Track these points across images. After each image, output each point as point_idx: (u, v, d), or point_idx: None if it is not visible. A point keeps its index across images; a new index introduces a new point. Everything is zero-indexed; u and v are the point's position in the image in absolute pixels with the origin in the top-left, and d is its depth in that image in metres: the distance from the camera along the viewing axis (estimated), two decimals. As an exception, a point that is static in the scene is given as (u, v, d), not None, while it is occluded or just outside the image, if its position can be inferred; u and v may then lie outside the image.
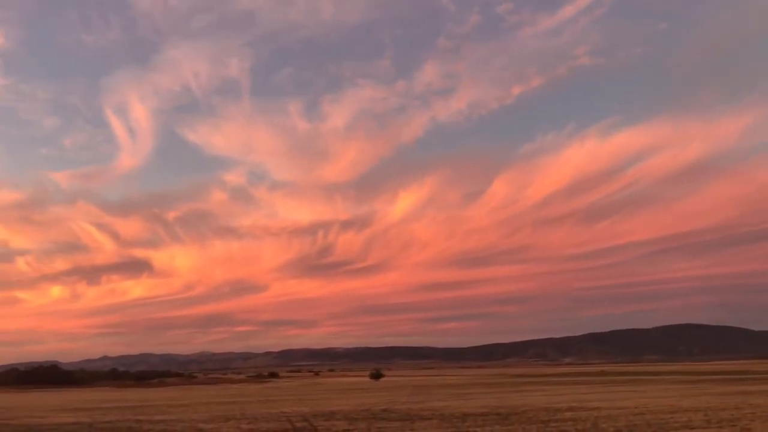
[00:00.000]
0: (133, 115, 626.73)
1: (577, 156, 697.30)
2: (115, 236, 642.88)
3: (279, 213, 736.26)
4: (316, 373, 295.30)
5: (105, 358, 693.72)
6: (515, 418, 35.42)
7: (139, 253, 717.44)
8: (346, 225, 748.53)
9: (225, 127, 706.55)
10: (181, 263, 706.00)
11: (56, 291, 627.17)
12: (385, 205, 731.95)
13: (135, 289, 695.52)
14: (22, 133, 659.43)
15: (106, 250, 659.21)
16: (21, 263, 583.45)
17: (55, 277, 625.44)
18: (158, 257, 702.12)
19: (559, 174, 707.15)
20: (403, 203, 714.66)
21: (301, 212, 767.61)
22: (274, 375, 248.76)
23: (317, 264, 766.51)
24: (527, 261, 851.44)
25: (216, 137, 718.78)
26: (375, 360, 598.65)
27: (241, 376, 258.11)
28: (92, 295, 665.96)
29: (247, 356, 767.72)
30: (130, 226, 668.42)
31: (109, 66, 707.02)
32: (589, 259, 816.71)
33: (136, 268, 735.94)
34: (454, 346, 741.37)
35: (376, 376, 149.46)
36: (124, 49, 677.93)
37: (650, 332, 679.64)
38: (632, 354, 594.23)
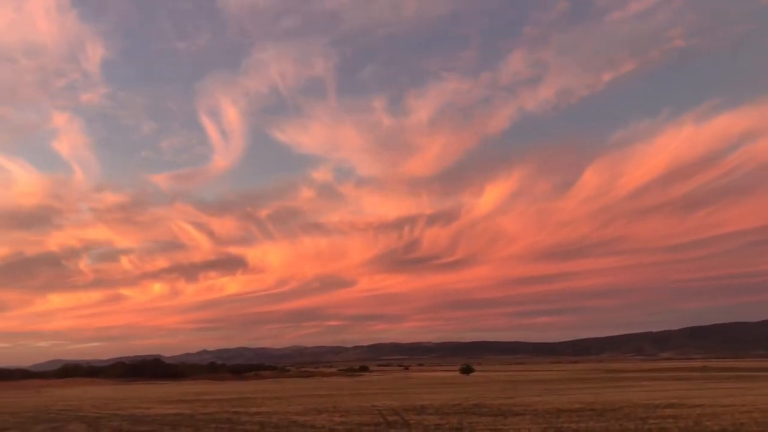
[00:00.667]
0: (225, 118, 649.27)
1: (673, 143, 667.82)
2: (210, 234, 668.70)
3: (365, 209, 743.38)
4: (406, 368, 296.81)
5: (204, 352, 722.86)
6: (611, 415, 34.29)
7: (234, 250, 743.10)
8: (432, 219, 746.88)
9: (311, 126, 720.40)
10: (273, 260, 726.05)
11: (157, 288, 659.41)
12: (471, 198, 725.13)
13: (230, 285, 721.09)
14: (123, 138, 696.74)
15: (203, 248, 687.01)
16: (125, 262, 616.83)
17: (156, 275, 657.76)
18: (251, 254, 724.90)
19: (653, 162, 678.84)
20: (490, 196, 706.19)
21: (386, 207, 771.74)
22: (364, 369, 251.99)
23: (404, 259, 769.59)
24: (621, 253, 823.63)
25: (303, 136, 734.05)
26: (464, 355, 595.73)
27: (332, 370, 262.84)
28: (191, 292, 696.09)
29: (337, 350, 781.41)
30: (225, 225, 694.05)
31: (202, 70, 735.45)
32: (688, 250, 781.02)
33: (231, 265, 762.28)
34: (546, 341, 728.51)
35: (466, 370, 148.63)
36: (215, 54, 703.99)
37: (756, 326, 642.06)
38: (736, 349, 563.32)
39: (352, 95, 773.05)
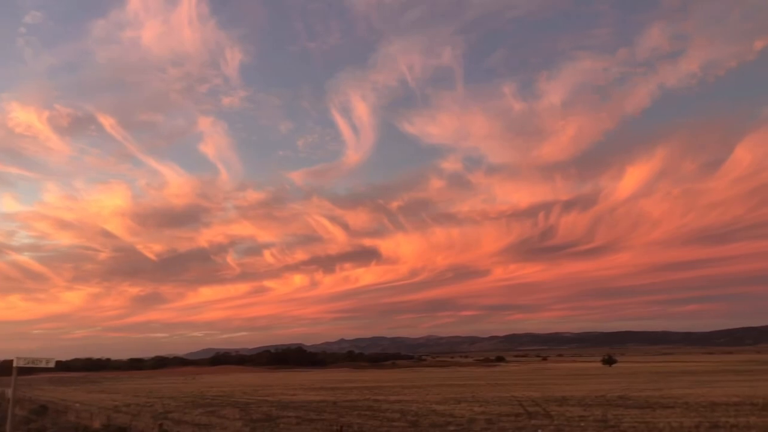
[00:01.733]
0: (355, 113, 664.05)
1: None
2: (345, 227, 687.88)
3: (497, 197, 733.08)
4: (544, 358, 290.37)
5: (342, 341, 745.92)
6: (776, 410, 31.61)
7: (367, 242, 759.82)
8: (568, 205, 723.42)
9: (440, 116, 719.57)
10: (406, 250, 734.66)
11: (297, 279, 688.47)
12: (610, 182, 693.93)
13: (365, 276, 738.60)
14: (262, 138, 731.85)
15: (338, 240, 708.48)
16: (267, 255, 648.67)
17: (296, 267, 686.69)
18: (384, 245, 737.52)
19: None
20: (630, 179, 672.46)
21: (519, 195, 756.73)
22: (500, 359, 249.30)
23: (539, 247, 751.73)
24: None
25: (431, 126, 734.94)
26: (606, 345, 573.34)
27: (468, 360, 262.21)
28: (328, 283, 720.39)
29: (472, 340, 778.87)
30: (358, 217, 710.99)
31: (332, 68, 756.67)
32: None
33: (366, 256, 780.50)
34: (696, 330, 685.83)
35: (609, 361, 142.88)
36: (344, 51, 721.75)
37: None
38: None
39: (481, 82, 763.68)
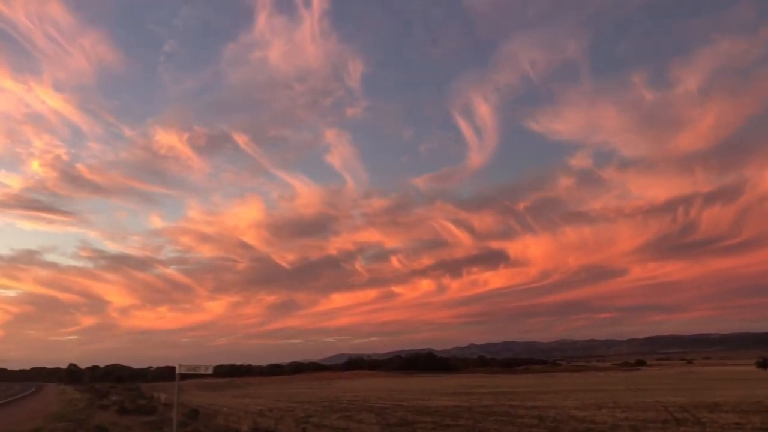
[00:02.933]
0: (477, 115, 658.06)
1: None
2: (471, 231, 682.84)
3: (631, 192, 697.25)
4: (689, 362, 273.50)
5: (472, 345, 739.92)
6: None
7: (495, 244, 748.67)
8: (710, 198, 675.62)
9: (566, 112, 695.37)
10: (535, 252, 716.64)
11: (425, 284, 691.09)
12: (757, 171, 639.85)
13: (494, 279, 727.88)
14: (385, 146, 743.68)
15: (464, 244, 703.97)
16: (394, 261, 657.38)
17: (423, 272, 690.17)
18: (512, 248, 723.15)
19: None
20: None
21: (655, 189, 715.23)
22: (641, 363, 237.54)
23: (679, 243, 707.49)
24: None
25: (557, 123, 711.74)
26: (759, 347, 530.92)
27: (606, 364, 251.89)
28: (456, 287, 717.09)
29: (610, 343, 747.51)
30: (484, 220, 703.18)
31: (453, 72, 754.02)
32: None
33: (493, 259, 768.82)
34: None
35: (765, 364, 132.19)
36: (464, 53, 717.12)
37: None
38: None
39: (608, 74, 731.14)
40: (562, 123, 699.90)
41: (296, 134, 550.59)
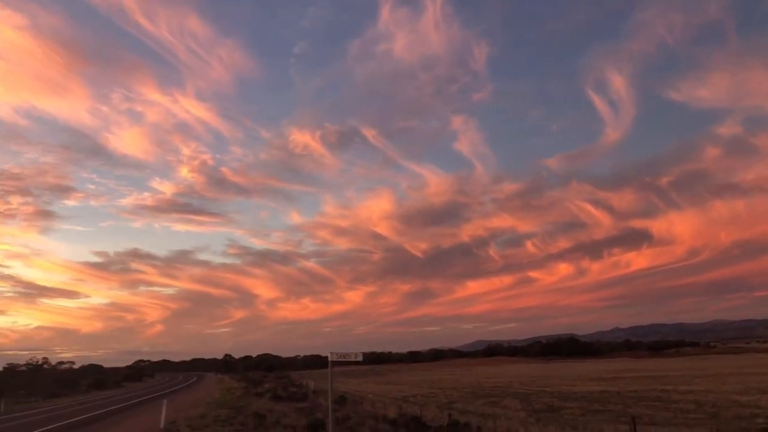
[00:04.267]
0: (611, 88, 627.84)
1: None
2: (609, 210, 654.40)
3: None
4: None
5: (616, 329, 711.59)
6: None
7: (636, 223, 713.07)
8: None
9: (710, 77, 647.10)
10: (681, 229, 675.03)
11: (563, 268, 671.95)
12: None
13: (637, 260, 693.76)
14: (514, 129, 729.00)
15: (604, 224, 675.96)
16: (529, 246, 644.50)
17: (560, 256, 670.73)
18: (656, 226, 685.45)
19: None
20: None
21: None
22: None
23: None
24: None
25: (701, 90, 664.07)
26: None
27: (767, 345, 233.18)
28: (596, 270, 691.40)
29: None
30: (623, 199, 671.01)
31: (582, 46, 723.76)
32: None
33: (635, 239, 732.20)
34: None
35: None
36: (594, 26, 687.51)
37: None
38: None
39: (757, 32, 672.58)
40: (706, 89, 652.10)
41: (423, 124, 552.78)
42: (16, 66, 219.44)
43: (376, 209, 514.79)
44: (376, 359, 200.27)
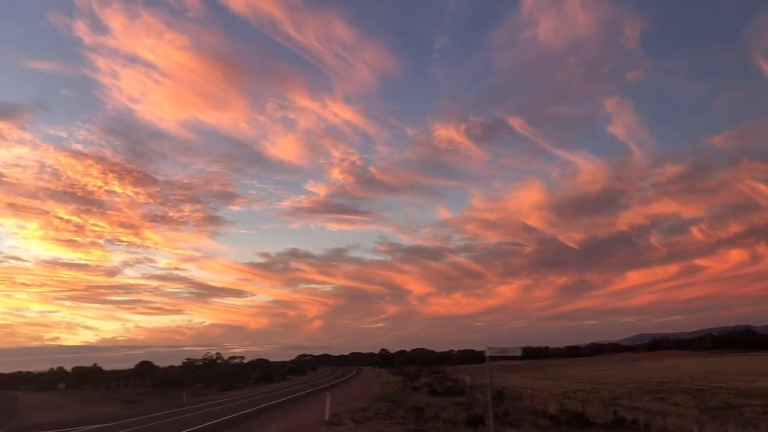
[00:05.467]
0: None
1: None
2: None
3: None
4: None
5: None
6: None
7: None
8: None
9: None
10: None
11: (735, 255, 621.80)
12: None
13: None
14: (673, 108, 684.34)
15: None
16: (695, 232, 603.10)
17: (731, 241, 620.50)
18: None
19: None
20: None
21: None
22: None
23: None
24: None
25: None
26: None
27: None
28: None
29: None
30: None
31: (749, 10, 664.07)
32: None
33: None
34: None
35: None
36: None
37: None
38: None
39: None
40: None
41: (573, 109, 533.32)
42: (182, 84, 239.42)
43: (526, 200, 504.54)
44: (532, 354, 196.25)
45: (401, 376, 73.80)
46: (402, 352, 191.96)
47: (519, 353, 16.69)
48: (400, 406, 30.58)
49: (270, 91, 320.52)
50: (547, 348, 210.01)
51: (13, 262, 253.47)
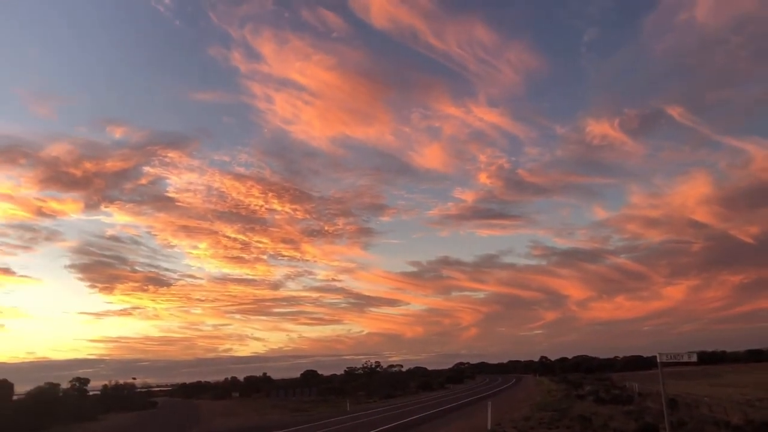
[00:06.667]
0: None
1: None
2: None
3: None
4: None
5: None
6: None
7: None
8: None
9: None
10: None
11: None
12: None
13: None
14: None
15: None
16: None
17: None
18: None
19: None
20: None
21: None
22: None
23: None
24: None
25: None
26: None
27: None
28: None
29: None
30: None
31: None
32: None
33: None
34: None
35: None
36: None
37: None
38: None
39: None
40: None
41: (740, 92, 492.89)
42: (330, 102, 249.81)
43: (691, 194, 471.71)
44: (706, 359, 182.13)
45: (564, 384, 71.62)
46: (563, 359, 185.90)
47: (694, 358, 15.55)
48: (565, 415, 29.63)
49: (413, 101, 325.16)
50: (723, 352, 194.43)
51: (189, 279, 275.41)
